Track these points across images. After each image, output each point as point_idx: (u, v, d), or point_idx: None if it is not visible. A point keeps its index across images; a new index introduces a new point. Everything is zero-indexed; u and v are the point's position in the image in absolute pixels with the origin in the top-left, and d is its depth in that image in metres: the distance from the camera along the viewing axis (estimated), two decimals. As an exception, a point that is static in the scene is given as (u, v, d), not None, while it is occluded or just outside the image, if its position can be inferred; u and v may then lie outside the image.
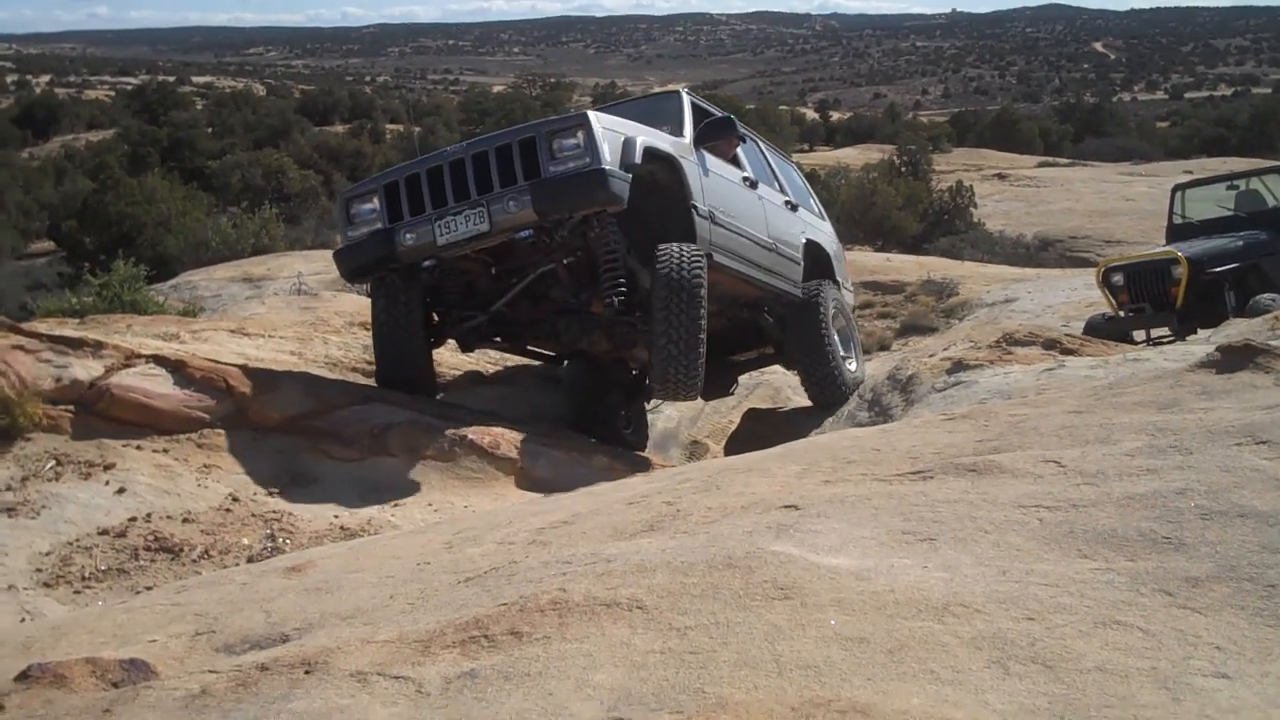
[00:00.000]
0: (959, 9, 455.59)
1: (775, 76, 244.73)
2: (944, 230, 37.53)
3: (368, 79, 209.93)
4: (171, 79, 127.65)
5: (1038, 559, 3.53)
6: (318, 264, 23.43)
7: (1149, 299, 16.30)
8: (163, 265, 28.22)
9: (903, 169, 46.59)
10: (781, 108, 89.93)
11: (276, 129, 75.55)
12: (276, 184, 47.73)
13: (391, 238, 9.90)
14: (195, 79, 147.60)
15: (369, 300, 11.40)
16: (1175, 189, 18.95)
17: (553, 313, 10.72)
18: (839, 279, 13.53)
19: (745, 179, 11.81)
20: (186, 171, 52.48)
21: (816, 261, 12.99)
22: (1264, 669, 2.86)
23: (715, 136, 11.28)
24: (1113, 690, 2.79)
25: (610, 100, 14.09)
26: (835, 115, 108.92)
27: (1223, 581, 3.26)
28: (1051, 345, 13.33)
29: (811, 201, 14.13)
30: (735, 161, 11.79)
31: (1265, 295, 14.76)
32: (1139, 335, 16.07)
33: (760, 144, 13.33)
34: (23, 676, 3.45)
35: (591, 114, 9.90)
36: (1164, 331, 16.12)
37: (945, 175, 47.14)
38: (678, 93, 12.29)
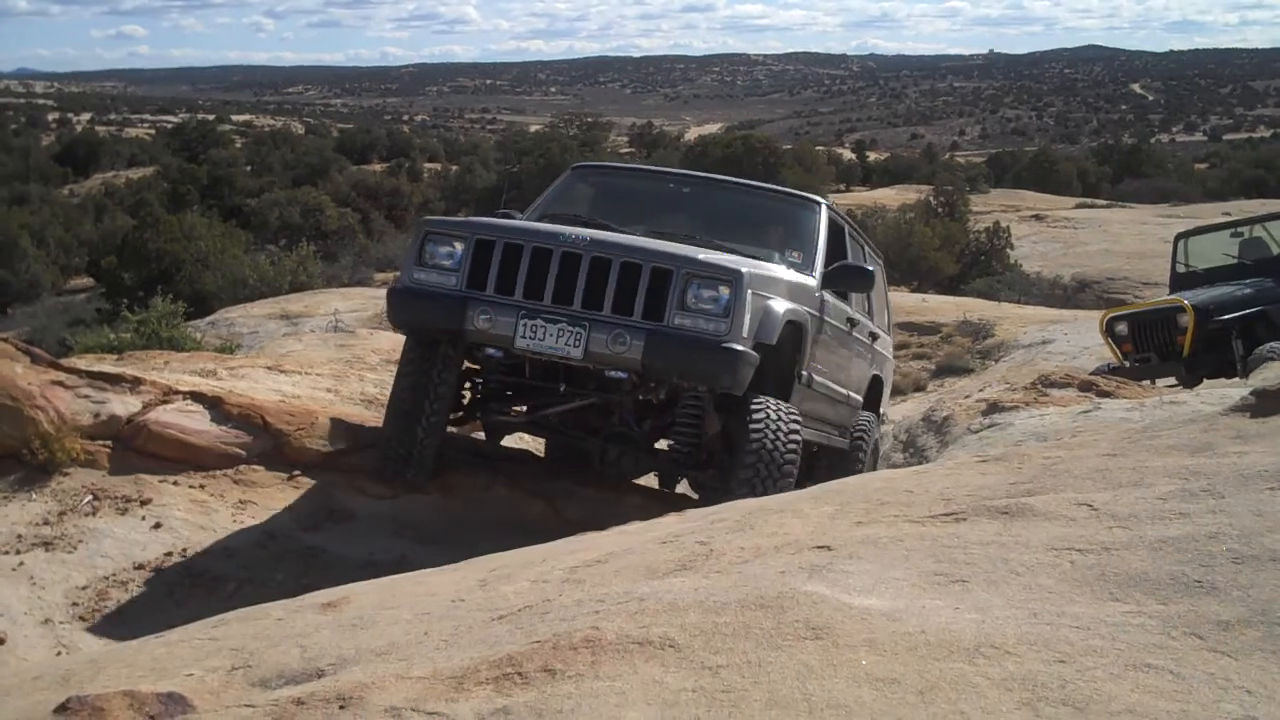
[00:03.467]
0: (996, 49, 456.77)
1: (812, 117, 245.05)
2: (980, 271, 37.53)
3: (406, 118, 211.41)
4: (211, 117, 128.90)
5: (1069, 601, 3.53)
6: (354, 301, 23.56)
7: (1154, 348, 16.27)
8: (200, 302, 28.36)
9: (940, 210, 46.62)
10: (818, 148, 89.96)
11: (315, 167, 75.92)
12: (314, 222, 48.03)
13: (463, 310, 8.41)
14: (235, 117, 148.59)
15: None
16: (1178, 237, 18.91)
17: (606, 435, 9.43)
18: (885, 394, 12.75)
19: (849, 319, 10.59)
20: (225, 209, 52.83)
21: (872, 391, 11.95)
22: (1294, 713, 2.86)
23: (846, 286, 10.17)
24: (1142, 733, 2.80)
25: (728, 180, 11.67)
26: (872, 156, 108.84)
27: (1254, 625, 3.26)
28: (1087, 387, 13.35)
29: (887, 312, 12.92)
30: (845, 295, 10.52)
31: (1270, 344, 14.65)
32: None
33: (865, 249, 11.81)
34: (62, 709, 3.49)
35: (747, 269, 8.39)
36: (1170, 381, 16.03)
37: (982, 216, 47.08)
38: (818, 206, 10.65)
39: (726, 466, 8.73)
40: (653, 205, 10.95)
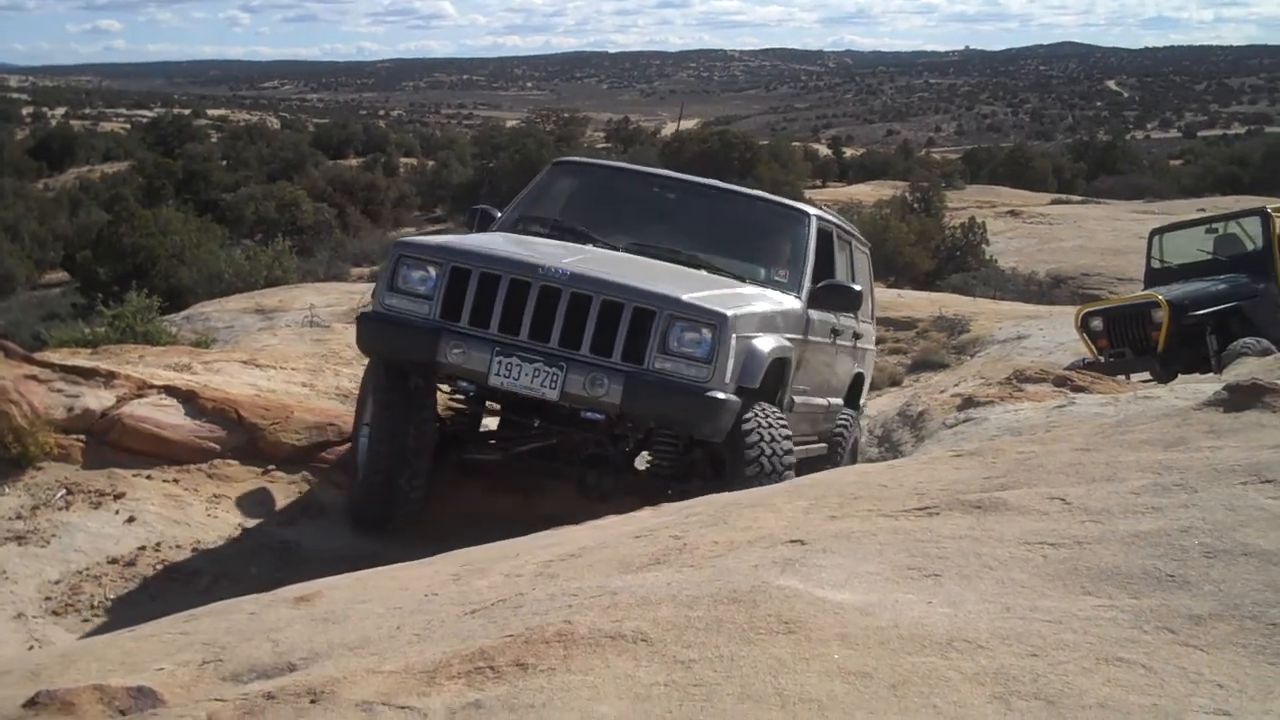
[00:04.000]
0: (972, 46, 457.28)
1: (788, 113, 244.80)
2: (956, 267, 37.55)
3: (382, 113, 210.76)
4: (187, 112, 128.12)
5: (1042, 595, 3.54)
6: (330, 296, 23.48)
7: (1129, 344, 16.33)
8: (176, 296, 28.25)
9: (915, 205, 46.58)
10: (795, 144, 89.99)
11: (291, 162, 75.60)
12: (290, 217, 47.83)
13: (436, 341, 8.08)
14: (210, 112, 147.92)
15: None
16: (1153, 233, 19.01)
17: (584, 458, 9.09)
18: (866, 386, 12.53)
19: (833, 330, 10.27)
20: (201, 204, 52.49)
21: (853, 389, 11.75)
22: (1265, 707, 2.87)
23: (832, 306, 9.88)
24: (1114, 726, 2.80)
25: (714, 186, 10.79)
26: (848, 151, 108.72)
27: (1226, 620, 3.26)
28: (1062, 383, 13.39)
29: (870, 302, 12.69)
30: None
31: (1244, 340, 14.72)
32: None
33: (852, 246, 11.53)
34: (31, 704, 3.47)
35: (731, 312, 8.07)
36: (1144, 377, 16.08)
37: (958, 212, 47.13)
38: (806, 219, 10.21)
39: (713, 478, 8.46)
40: (635, 211, 10.59)
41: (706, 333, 7.92)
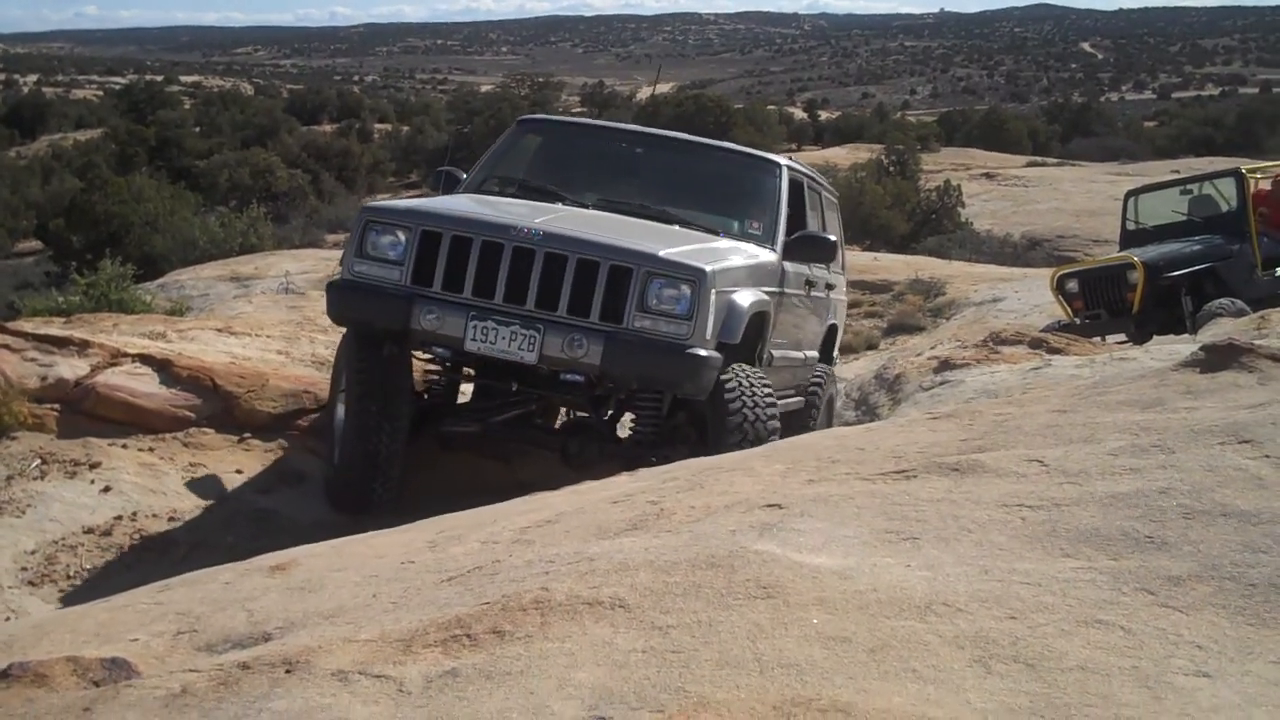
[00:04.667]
0: (947, 9, 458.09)
1: (763, 76, 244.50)
2: (932, 230, 37.56)
3: (356, 78, 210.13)
4: (159, 78, 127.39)
5: (1020, 558, 3.53)
6: (305, 263, 23.39)
7: (1105, 305, 16.38)
8: (150, 264, 28.11)
9: (891, 168, 46.58)
10: (770, 107, 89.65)
11: (264, 128, 75.17)
12: (264, 183, 47.62)
13: (409, 307, 7.94)
14: (183, 78, 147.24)
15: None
16: (1128, 194, 19.03)
17: (566, 428, 9.30)
18: (838, 339, 12.45)
19: (807, 281, 10.18)
20: (174, 171, 52.26)
21: (827, 342, 11.71)
22: (1244, 668, 2.87)
23: (808, 258, 9.85)
24: (1094, 689, 2.80)
25: (682, 139, 10.61)
26: (823, 115, 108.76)
27: (1204, 580, 3.26)
28: (1038, 345, 13.41)
29: (841, 252, 11.82)
30: None
31: (1219, 301, 14.76)
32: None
33: (822, 197, 11.47)
34: (3, 675, 3.45)
35: (710, 267, 7.94)
36: (1120, 338, 16.13)
37: (933, 175, 47.11)
38: (778, 169, 10.05)
39: (699, 442, 8.26)
40: (603, 167, 10.46)
41: (685, 289, 7.79)
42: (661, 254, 7.94)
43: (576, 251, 7.88)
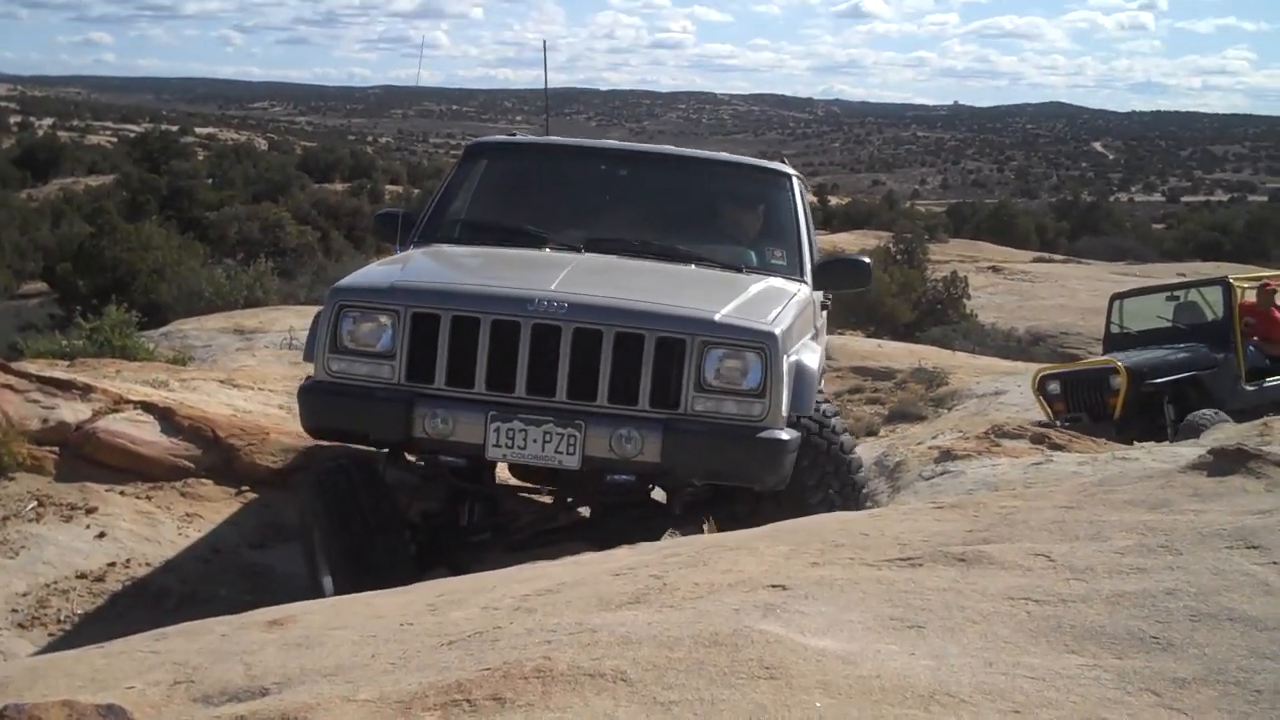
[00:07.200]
0: (961, 101, 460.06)
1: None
2: (936, 319, 37.61)
3: (370, 139, 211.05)
4: (174, 128, 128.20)
5: (1025, 652, 3.51)
6: (310, 319, 23.35)
7: (1086, 408, 16.30)
8: (155, 312, 28.14)
9: (898, 256, 46.67)
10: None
11: (277, 183, 75.66)
12: (273, 238, 47.81)
13: (408, 411, 6.46)
14: (198, 129, 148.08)
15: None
16: (1114, 298, 19.07)
17: (596, 514, 7.84)
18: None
19: (822, 307, 8.88)
20: (184, 221, 52.51)
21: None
22: (1249, 774, 2.85)
23: (840, 286, 8.61)
24: (1098, 788, 2.77)
25: (670, 154, 9.01)
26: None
27: (1209, 684, 3.24)
28: (1040, 440, 13.39)
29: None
30: None
31: (1202, 412, 14.66)
32: None
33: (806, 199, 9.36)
34: (-3, 717, 3.42)
35: (779, 332, 6.61)
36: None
37: (940, 265, 47.27)
38: (788, 181, 8.84)
39: (772, 496, 7.11)
40: (582, 197, 8.97)
41: (753, 358, 6.51)
42: (718, 318, 6.59)
43: (615, 324, 6.51)
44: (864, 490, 7.72)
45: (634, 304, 6.69)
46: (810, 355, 7.12)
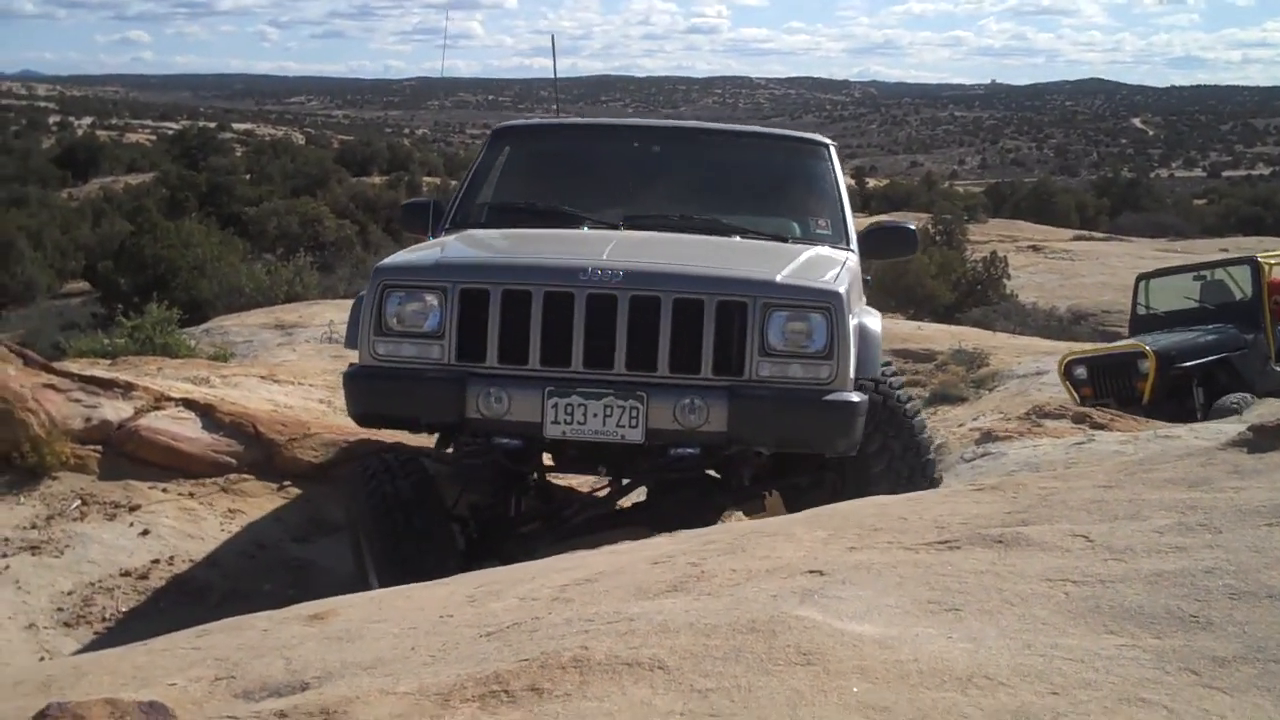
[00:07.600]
0: (998, 80, 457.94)
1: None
2: (977, 300, 37.46)
3: (407, 131, 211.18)
4: (212, 125, 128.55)
5: (1063, 633, 3.50)
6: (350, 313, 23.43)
7: (1114, 393, 16.00)
8: (196, 309, 28.28)
9: (937, 238, 46.54)
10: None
11: (314, 178, 75.78)
12: (312, 232, 47.94)
13: (460, 391, 6.29)
14: (236, 126, 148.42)
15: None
16: (1139, 278, 18.65)
17: (659, 487, 7.56)
18: None
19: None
20: (223, 217, 52.67)
21: None
22: (1289, 752, 2.83)
23: (886, 254, 8.45)
24: (1136, 768, 2.77)
25: (703, 129, 9.09)
26: (871, 182, 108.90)
27: (1249, 662, 3.22)
28: (1081, 419, 13.32)
29: None
30: None
31: (1232, 396, 14.43)
32: None
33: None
34: (41, 715, 3.44)
35: (843, 290, 6.46)
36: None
37: (980, 245, 47.07)
38: (826, 150, 8.63)
39: (834, 465, 7.13)
40: (617, 176, 8.78)
41: (818, 318, 6.33)
42: (779, 279, 6.45)
43: (674, 289, 6.35)
44: (929, 458, 7.54)
45: (692, 269, 6.58)
46: (871, 318, 6.99)
